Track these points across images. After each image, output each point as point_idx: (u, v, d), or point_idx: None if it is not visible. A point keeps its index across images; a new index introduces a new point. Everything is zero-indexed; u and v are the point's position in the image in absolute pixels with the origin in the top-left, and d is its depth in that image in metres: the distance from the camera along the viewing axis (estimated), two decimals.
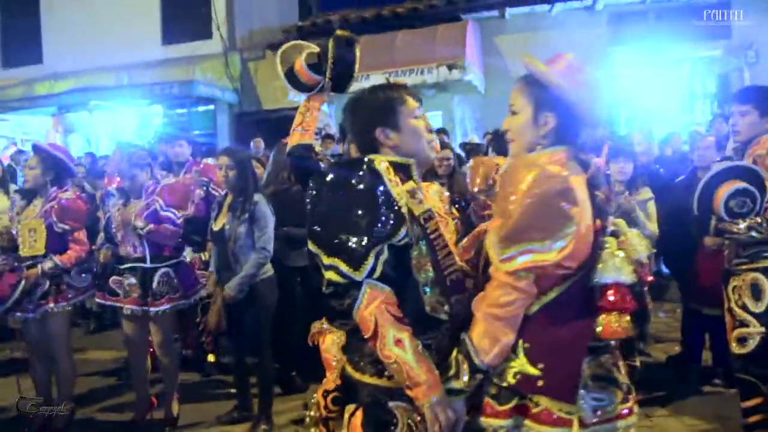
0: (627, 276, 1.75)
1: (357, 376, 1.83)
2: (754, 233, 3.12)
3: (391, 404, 1.76)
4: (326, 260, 1.68)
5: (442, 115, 10.23)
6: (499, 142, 6.28)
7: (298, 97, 10.33)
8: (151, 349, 4.42)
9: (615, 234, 1.80)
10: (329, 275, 1.68)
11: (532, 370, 1.72)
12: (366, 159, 1.77)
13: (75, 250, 4.05)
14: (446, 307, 1.79)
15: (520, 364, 1.73)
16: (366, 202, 1.68)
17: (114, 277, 4.14)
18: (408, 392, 1.67)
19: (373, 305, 1.66)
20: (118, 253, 4.16)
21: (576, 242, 1.64)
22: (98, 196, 5.41)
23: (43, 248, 3.98)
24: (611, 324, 1.73)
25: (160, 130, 10.02)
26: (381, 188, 1.69)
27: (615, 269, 1.74)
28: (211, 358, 5.33)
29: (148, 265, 4.09)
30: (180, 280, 4.17)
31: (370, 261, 1.65)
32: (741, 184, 3.06)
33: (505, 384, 1.75)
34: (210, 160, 5.38)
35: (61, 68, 11.94)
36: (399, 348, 1.65)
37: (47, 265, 3.96)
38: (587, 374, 1.74)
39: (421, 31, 9.88)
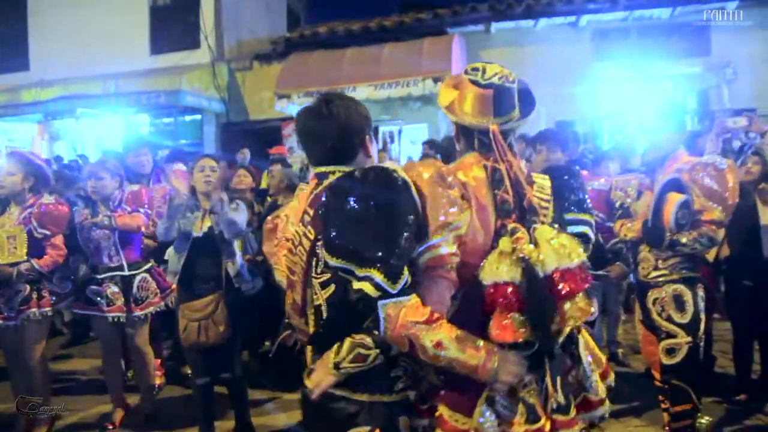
0: (505, 276, 1.65)
1: (360, 397, 1.77)
2: (697, 246, 3.22)
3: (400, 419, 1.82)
4: (360, 272, 1.62)
5: (428, 127, 10.32)
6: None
7: (284, 108, 10.41)
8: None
9: (512, 232, 1.71)
10: (362, 286, 1.61)
11: (435, 380, 1.81)
12: (389, 169, 1.70)
13: (51, 255, 4.08)
14: None
15: (429, 372, 1.81)
16: (398, 214, 1.64)
17: (92, 287, 4.23)
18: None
19: (399, 323, 1.61)
20: (92, 263, 4.27)
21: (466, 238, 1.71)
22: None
23: (24, 254, 4.00)
24: (500, 326, 1.66)
25: (143, 139, 10.05)
26: (410, 199, 1.66)
27: (492, 271, 1.67)
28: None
29: (126, 272, 4.27)
30: (157, 284, 4.39)
31: (406, 274, 1.62)
32: (682, 197, 3.16)
33: (423, 387, 1.84)
34: (179, 165, 5.15)
35: (48, 75, 11.90)
36: (441, 349, 1.61)
37: (24, 266, 3.98)
38: (500, 388, 1.70)
39: (407, 44, 9.99)
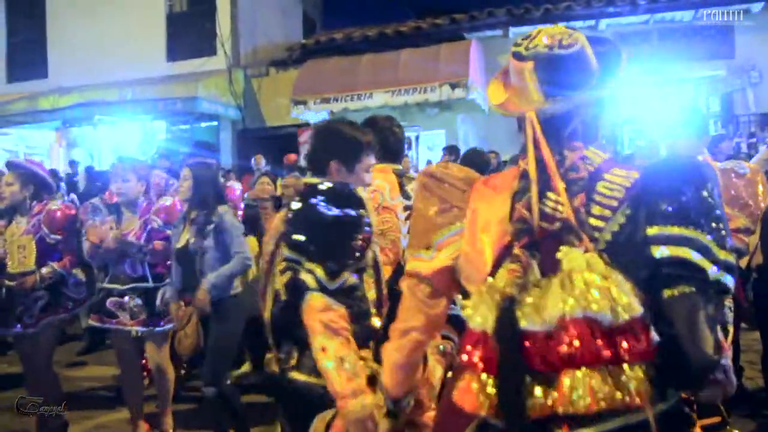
0: (477, 322, 1.31)
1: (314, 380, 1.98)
2: None
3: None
4: (307, 265, 1.89)
5: (446, 134, 10.24)
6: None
7: (300, 115, 10.41)
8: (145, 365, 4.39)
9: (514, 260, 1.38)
10: (305, 277, 1.88)
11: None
12: (349, 187, 2.04)
13: (69, 257, 4.05)
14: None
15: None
16: (349, 227, 1.95)
17: (113, 299, 4.00)
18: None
19: (309, 314, 1.86)
20: (113, 272, 4.06)
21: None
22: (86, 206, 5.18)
23: (33, 264, 3.94)
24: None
25: (162, 145, 10.06)
26: (358, 216, 1.96)
27: (467, 312, 1.35)
28: None
29: (151, 284, 4.02)
30: None
31: (344, 276, 1.90)
32: None
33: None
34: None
35: (66, 83, 12.00)
36: (322, 355, 1.80)
37: (45, 270, 3.92)
38: None
39: (424, 50, 9.92)
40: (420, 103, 9.58)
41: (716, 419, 3.27)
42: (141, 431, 4.20)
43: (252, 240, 5.15)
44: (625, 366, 1.16)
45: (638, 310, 1.17)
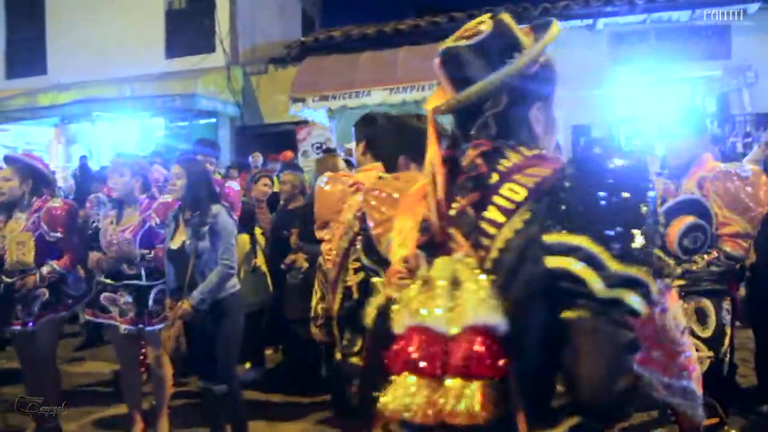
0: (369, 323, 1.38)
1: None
2: (714, 268, 3.07)
3: None
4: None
5: None
6: None
7: (299, 112, 10.41)
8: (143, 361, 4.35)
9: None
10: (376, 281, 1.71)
11: None
12: None
13: (69, 255, 4.01)
14: None
15: None
16: None
17: (106, 294, 3.99)
18: None
19: None
20: (109, 267, 4.00)
21: None
22: (91, 200, 5.16)
23: (32, 261, 3.91)
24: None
25: (161, 142, 10.07)
26: None
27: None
28: None
29: (144, 282, 3.97)
30: None
31: None
32: (691, 220, 2.97)
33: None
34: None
35: (65, 79, 12.00)
36: None
37: (45, 269, 3.90)
38: None
39: (423, 48, 9.91)
40: (418, 101, 9.56)
41: (714, 420, 3.27)
42: (137, 428, 4.17)
43: (244, 237, 5.15)
44: (459, 380, 1.07)
45: (468, 323, 1.08)
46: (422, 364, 1.09)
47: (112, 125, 11.90)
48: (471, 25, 1.31)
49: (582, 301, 1.07)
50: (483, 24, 1.30)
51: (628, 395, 1.09)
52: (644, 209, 1.10)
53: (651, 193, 1.12)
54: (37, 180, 4.09)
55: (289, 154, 8.88)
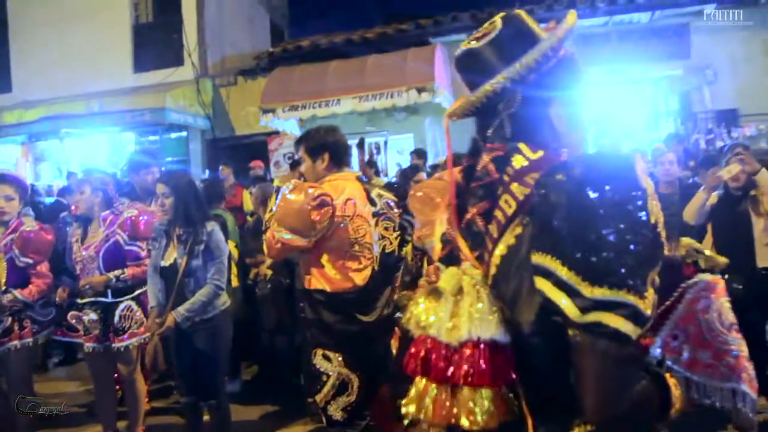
0: None
1: None
2: None
3: None
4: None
5: (414, 138, 10.33)
6: None
7: (270, 123, 10.37)
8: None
9: None
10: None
11: None
12: None
13: (37, 284, 3.92)
14: None
15: None
16: None
17: (72, 312, 3.97)
18: None
19: None
20: (77, 287, 3.97)
21: None
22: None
23: (2, 283, 3.84)
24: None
25: (131, 157, 9.97)
26: None
27: None
28: None
29: (109, 299, 3.93)
30: (143, 312, 3.99)
31: None
32: None
33: None
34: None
35: (31, 97, 11.84)
36: None
37: (6, 298, 3.80)
38: None
39: (391, 56, 10.00)
40: (388, 108, 9.64)
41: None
42: None
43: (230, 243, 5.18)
44: (466, 388, 1.09)
45: (464, 338, 1.09)
46: (431, 369, 1.11)
47: (81, 142, 11.78)
48: (482, 29, 1.31)
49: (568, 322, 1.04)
50: (494, 23, 1.28)
51: (640, 407, 1.07)
52: (635, 218, 1.00)
53: (640, 202, 1.01)
54: (24, 199, 4.05)
55: (258, 163, 8.91)
